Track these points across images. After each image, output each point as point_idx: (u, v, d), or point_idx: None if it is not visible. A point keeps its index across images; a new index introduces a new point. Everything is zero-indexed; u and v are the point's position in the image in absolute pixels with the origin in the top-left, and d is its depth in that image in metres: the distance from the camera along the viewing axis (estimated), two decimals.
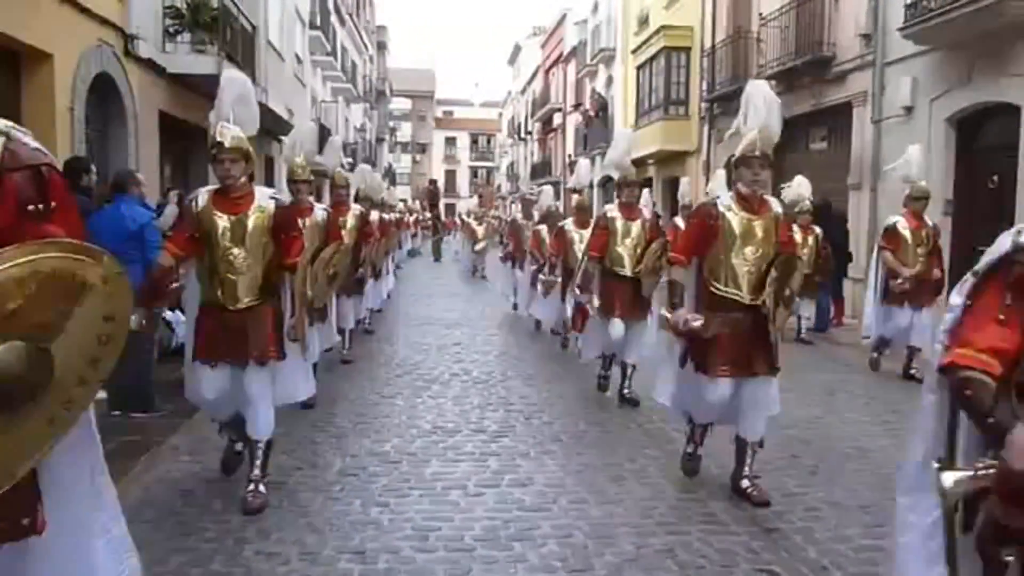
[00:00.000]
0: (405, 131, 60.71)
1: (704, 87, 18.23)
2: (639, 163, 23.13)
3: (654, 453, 5.21)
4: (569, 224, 8.12)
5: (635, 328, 6.41)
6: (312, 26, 23.04)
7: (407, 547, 3.71)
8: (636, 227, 6.48)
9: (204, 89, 12.15)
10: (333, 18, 26.89)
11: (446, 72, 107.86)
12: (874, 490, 4.45)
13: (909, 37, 10.22)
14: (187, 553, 3.56)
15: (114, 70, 9.47)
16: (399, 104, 57.49)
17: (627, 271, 6.43)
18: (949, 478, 1.72)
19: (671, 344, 4.64)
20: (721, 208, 4.33)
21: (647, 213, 6.74)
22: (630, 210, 6.56)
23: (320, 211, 6.34)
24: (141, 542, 3.46)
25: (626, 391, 6.52)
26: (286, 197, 5.21)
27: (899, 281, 7.50)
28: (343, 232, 7.08)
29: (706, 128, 18.30)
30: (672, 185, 17.66)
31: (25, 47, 7.47)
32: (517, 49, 51.68)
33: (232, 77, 4.37)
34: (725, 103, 17.36)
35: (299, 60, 21.58)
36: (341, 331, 7.77)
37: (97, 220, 5.42)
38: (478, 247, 19.75)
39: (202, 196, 4.17)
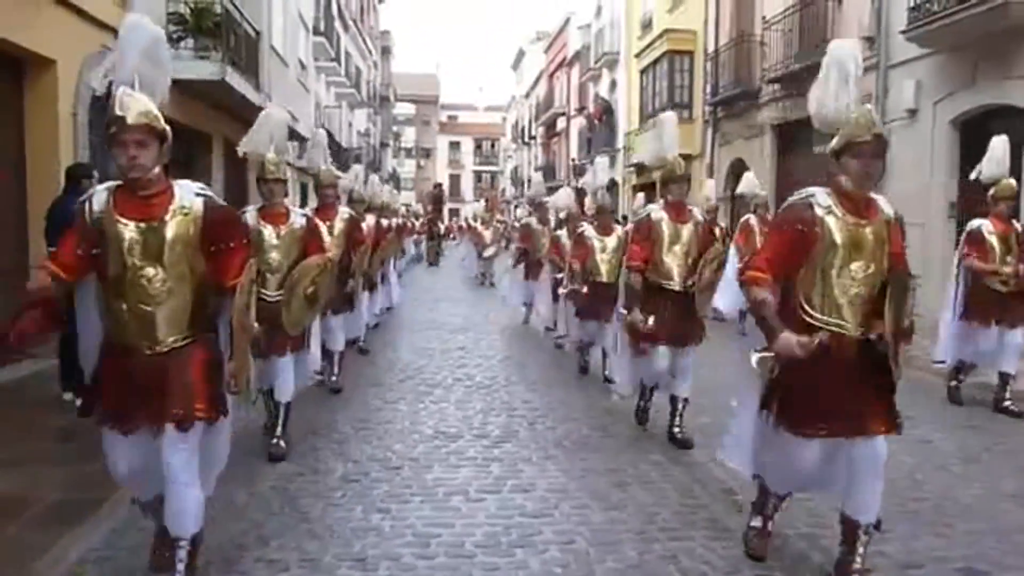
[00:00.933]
0: (409, 136, 60.84)
1: (708, 91, 18.23)
2: (643, 166, 23.17)
3: (657, 459, 5.18)
4: (589, 229, 7.21)
5: (684, 355, 5.48)
6: (316, 31, 23.09)
7: (408, 554, 3.69)
8: (687, 231, 5.41)
9: (208, 95, 12.25)
10: (337, 23, 26.94)
11: (450, 77, 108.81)
12: (881, 497, 4.40)
13: (912, 40, 10.20)
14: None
15: None
16: (403, 109, 57.60)
17: (676, 285, 5.39)
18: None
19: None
20: (819, 210, 3.25)
21: (698, 214, 5.60)
22: (679, 210, 5.44)
23: (299, 217, 5.24)
24: (141, 549, 3.49)
25: (677, 431, 5.50)
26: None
27: (1007, 273, 6.25)
28: (330, 240, 6.35)
29: (710, 132, 18.29)
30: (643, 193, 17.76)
31: (28, 53, 7.49)
32: (521, 54, 51.77)
33: (135, 23, 3.11)
34: (728, 107, 17.36)
35: (303, 65, 21.61)
36: (329, 354, 6.71)
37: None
38: (487, 253, 18.88)
39: (99, 195, 3.07)
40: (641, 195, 17.18)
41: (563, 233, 8.85)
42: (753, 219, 10.28)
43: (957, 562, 3.70)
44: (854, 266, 3.23)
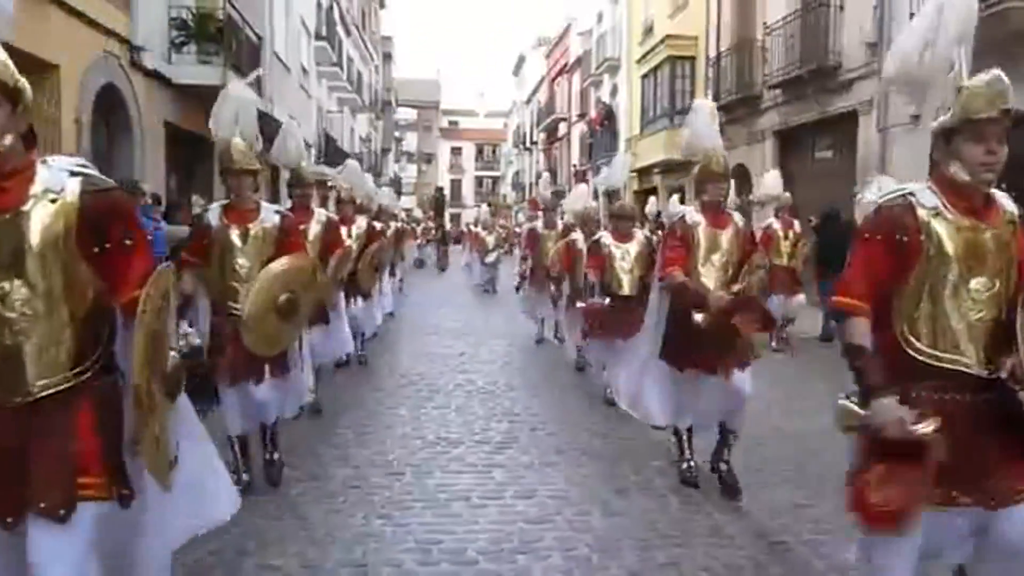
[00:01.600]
0: (411, 141, 60.88)
1: (709, 96, 18.25)
2: (644, 172, 23.21)
3: (659, 465, 5.16)
4: (606, 236, 6.55)
5: (729, 383, 4.48)
6: (318, 37, 23.16)
7: (409, 560, 3.67)
8: (726, 238, 4.65)
9: (210, 100, 12.25)
10: (339, 29, 27.01)
11: (452, 82, 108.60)
12: None
13: None
14: (188, 566, 3.52)
15: (120, 81, 9.52)
16: (405, 114, 57.66)
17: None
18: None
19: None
20: (923, 212, 2.43)
21: (738, 219, 4.85)
22: (716, 215, 4.67)
23: (271, 214, 4.37)
24: None
25: (723, 467, 4.68)
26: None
27: None
28: (306, 244, 5.26)
29: None
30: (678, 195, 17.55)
31: (30, 57, 7.50)
32: (522, 59, 51.89)
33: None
34: (730, 112, 17.37)
35: (305, 71, 21.66)
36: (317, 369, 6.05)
37: None
38: (489, 259, 17.93)
39: None
40: (675, 197, 16.74)
41: (579, 237, 7.76)
42: (776, 224, 9.80)
43: None
44: (974, 284, 2.42)
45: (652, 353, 4.78)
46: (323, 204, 7.80)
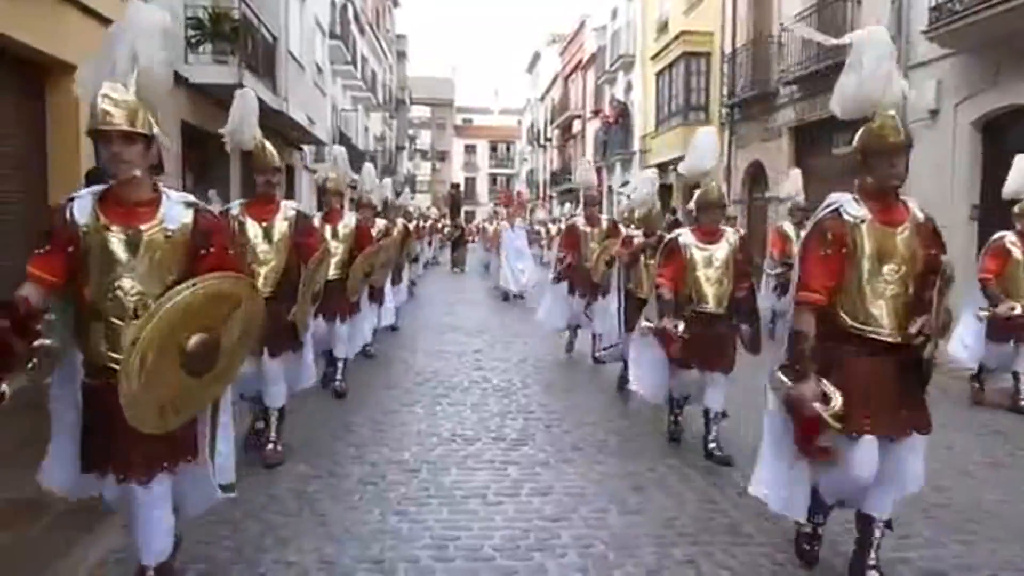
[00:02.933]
0: (425, 139, 61.01)
1: (724, 93, 18.14)
2: (660, 169, 23.08)
3: (675, 462, 5.15)
4: (687, 235, 5.27)
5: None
6: (332, 35, 23.21)
7: (426, 556, 3.68)
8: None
9: (225, 99, 12.33)
10: (353, 27, 27.07)
11: (465, 80, 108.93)
12: (902, 503, 4.35)
13: (934, 40, 10.10)
14: (206, 562, 3.55)
15: None
16: (419, 112, 57.79)
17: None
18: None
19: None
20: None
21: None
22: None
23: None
24: None
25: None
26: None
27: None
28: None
29: (726, 134, 18.19)
30: (693, 192, 17.39)
31: (49, 59, 7.56)
32: (536, 56, 51.81)
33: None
34: (745, 109, 17.27)
35: (319, 69, 21.72)
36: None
37: None
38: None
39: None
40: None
41: (636, 235, 6.69)
42: (788, 225, 9.74)
43: (982, 570, 3.64)
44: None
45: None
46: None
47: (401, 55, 45.68)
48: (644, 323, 5.34)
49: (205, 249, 2.94)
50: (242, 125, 4.84)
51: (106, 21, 8.55)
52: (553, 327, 9.17)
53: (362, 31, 29.70)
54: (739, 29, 17.38)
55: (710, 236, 5.22)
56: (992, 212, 9.81)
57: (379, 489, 4.58)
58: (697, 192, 5.32)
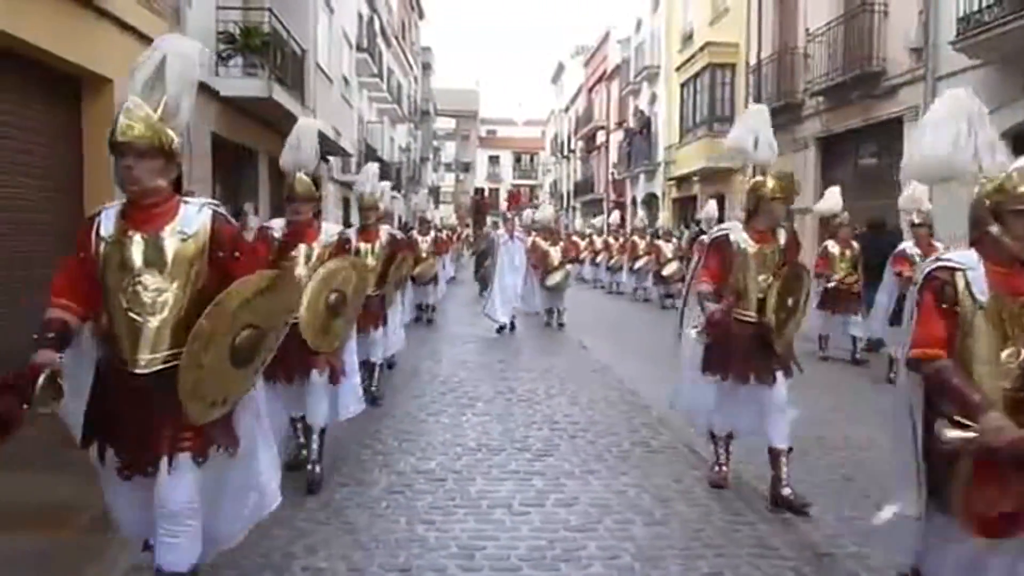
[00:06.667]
0: (449, 150, 61.30)
1: (750, 104, 18.07)
2: (683, 180, 23.08)
3: (700, 474, 5.12)
4: (737, 231, 4.70)
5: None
6: (359, 48, 23.48)
7: (452, 565, 3.71)
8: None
9: (254, 112, 12.53)
10: (379, 40, 27.36)
11: (490, 92, 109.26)
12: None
13: (962, 51, 10.03)
14: (236, 568, 3.60)
15: None
16: (443, 124, 58.07)
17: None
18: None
19: None
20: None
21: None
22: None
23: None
24: None
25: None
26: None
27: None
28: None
29: None
30: (717, 203, 17.22)
31: (85, 72, 7.74)
32: (560, 68, 51.97)
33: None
34: (772, 119, 17.16)
35: (346, 82, 21.97)
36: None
37: None
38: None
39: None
40: (713, 202, 16.19)
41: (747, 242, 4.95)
42: (832, 244, 9.64)
43: None
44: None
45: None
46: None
47: (426, 67, 46.02)
48: (690, 331, 4.79)
49: (228, 253, 2.95)
50: (308, 152, 4.98)
51: (144, 38, 8.75)
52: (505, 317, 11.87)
53: (388, 44, 30.00)
54: (764, 40, 17.33)
55: (765, 238, 4.60)
56: None
57: (406, 498, 4.62)
58: (752, 182, 4.70)
